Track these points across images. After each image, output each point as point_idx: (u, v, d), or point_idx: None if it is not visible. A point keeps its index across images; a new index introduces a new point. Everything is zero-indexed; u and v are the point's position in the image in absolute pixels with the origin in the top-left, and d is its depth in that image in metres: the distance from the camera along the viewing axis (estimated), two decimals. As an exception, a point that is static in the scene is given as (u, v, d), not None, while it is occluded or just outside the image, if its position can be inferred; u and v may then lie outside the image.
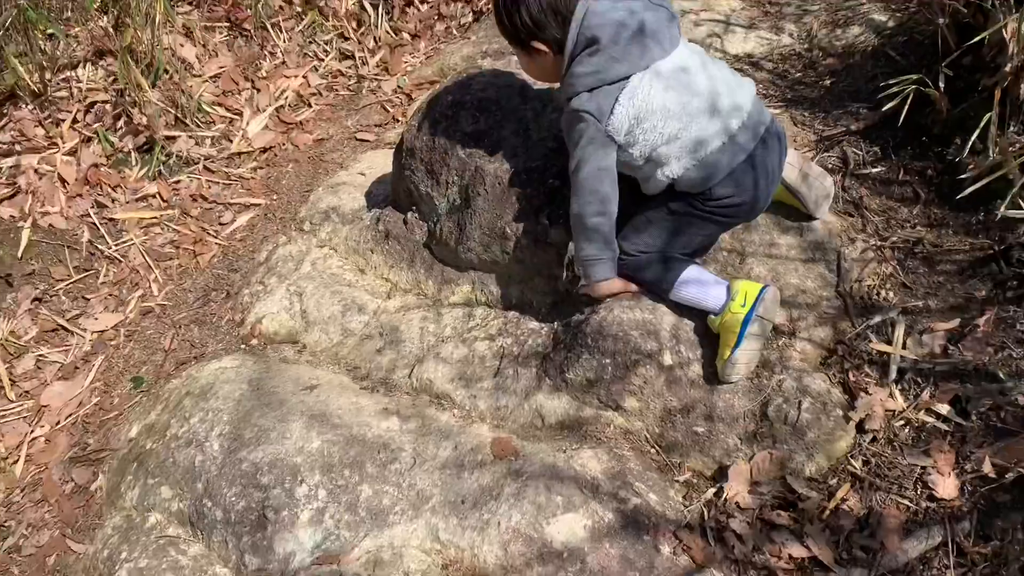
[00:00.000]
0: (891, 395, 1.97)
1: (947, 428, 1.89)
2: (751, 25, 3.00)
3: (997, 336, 1.99)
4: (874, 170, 2.41)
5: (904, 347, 2.03)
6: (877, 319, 2.09)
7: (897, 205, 2.34)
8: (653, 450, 2.00)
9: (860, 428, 1.95)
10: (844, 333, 2.09)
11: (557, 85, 2.00)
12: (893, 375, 1.99)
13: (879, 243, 2.24)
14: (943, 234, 2.25)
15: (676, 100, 1.83)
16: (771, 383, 1.99)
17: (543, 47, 1.89)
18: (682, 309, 2.03)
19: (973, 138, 2.16)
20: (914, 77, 2.28)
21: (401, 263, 2.51)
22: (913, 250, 2.23)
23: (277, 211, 2.95)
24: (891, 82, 2.30)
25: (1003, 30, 2.10)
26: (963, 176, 2.20)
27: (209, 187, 3.05)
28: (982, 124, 2.14)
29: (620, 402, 2.00)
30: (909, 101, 2.30)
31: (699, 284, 1.98)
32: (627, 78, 1.82)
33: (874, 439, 1.93)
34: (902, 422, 1.94)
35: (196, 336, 2.53)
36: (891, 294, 2.16)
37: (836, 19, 2.85)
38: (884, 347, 2.04)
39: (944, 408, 1.91)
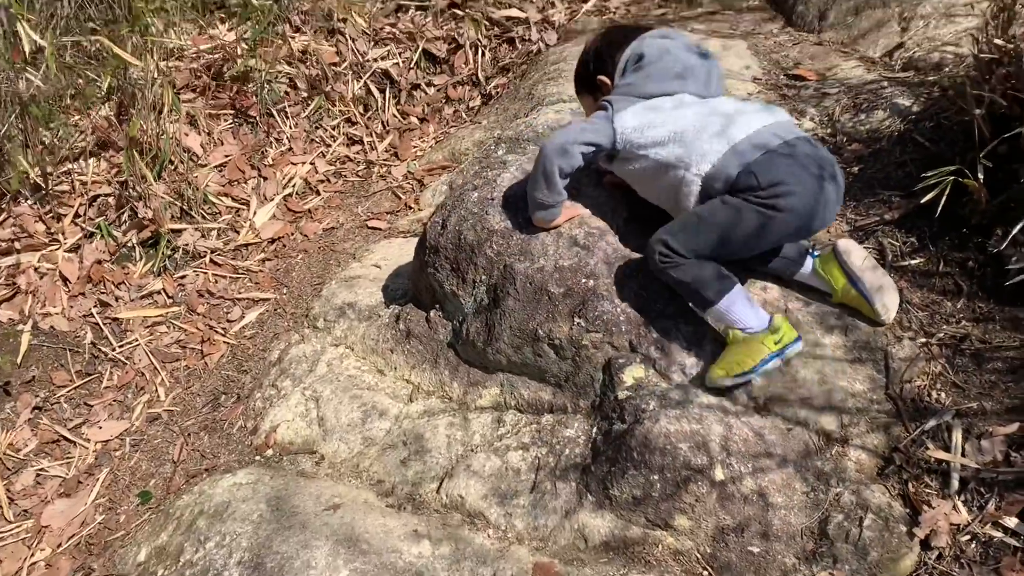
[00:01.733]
0: (955, 507, 1.86)
1: (1017, 544, 1.77)
2: (770, 109, 2.95)
3: (1061, 441, 1.89)
4: (913, 261, 2.34)
5: (963, 454, 1.92)
6: (932, 423, 1.99)
7: (940, 299, 2.26)
8: (705, 572, 1.87)
9: (925, 545, 1.83)
10: (899, 439, 1.98)
11: None
12: (955, 485, 1.88)
13: (926, 340, 2.15)
14: (990, 329, 2.16)
15: (693, 116, 1.96)
16: (828, 497, 1.87)
17: (606, 80, 2.10)
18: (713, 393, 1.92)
19: (1015, 231, 2.10)
20: (952, 168, 2.22)
21: (424, 364, 2.40)
22: (961, 347, 2.14)
23: (288, 306, 2.84)
24: (929, 173, 2.24)
25: (1045, 123, 2.05)
26: (1008, 268, 2.13)
27: (216, 281, 2.94)
28: (1029, 218, 2.07)
29: (669, 521, 1.87)
30: (947, 192, 2.24)
31: (746, 302, 1.94)
32: (655, 97, 2.01)
33: (940, 556, 1.81)
34: (968, 537, 1.82)
35: (207, 445, 2.39)
36: (943, 395, 2.06)
37: (858, 103, 2.81)
38: (943, 455, 1.93)
39: (1012, 521, 1.80)
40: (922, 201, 2.28)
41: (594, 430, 2.08)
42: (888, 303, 2.12)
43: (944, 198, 2.25)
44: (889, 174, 2.56)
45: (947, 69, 2.80)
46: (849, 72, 3.02)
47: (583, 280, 2.11)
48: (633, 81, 2.03)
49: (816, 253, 2.19)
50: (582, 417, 2.14)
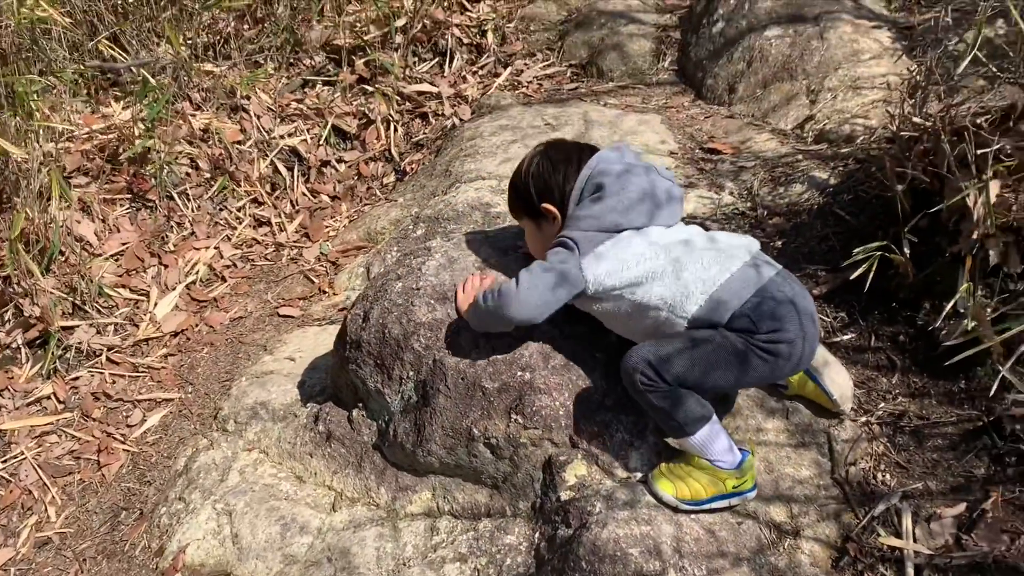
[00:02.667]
0: (913, 598, 1.80)
1: (976, 632, 1.72)
2: (689, 184, 2.95)
3: (1008, 521, 1.86)
4: (845, 337, 2.32)
5: (915, 539, 1.87)
6: (881, 507, 1.94)
7: (875, 375, 2.24)
8: None
9: (887, 640, 1.77)
10: (850, 527, 1.92)
11: None
12: (911, 574, 1.82)
13: (866, 419, 2.12)
14: (927, 405, 2.15)
15: (665, 254, 1.82)
16: (786, 596, 1.79)
17: (553, 208, 1.93)
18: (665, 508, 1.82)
19: (948, 307, 2.10)
20: (878, 244, 2.23)
21: (347, 468, 2.22)
22: (900, 424, 2.12)
23: (194, 406, 2.63)
24: (857, 250, 2.23)
25: (966, 198, 2.07)
26: (940, 343, 2.13)
27: (113, 382, 2.70)
28: (959, 291, 2.08)
29: (624, 634, 1.74)
30: (874, 268, 2.24)
31: (723, 436, 1.83)
32: (619, 231, 1.84)
33: (903, 650, 1.74)
34: (928, 628, 1.76)
35: (106, 572, 2.15)
36: (888, 476, 2.02)
37: (775, 176, 2.83)
38: (895, 541, 1.87)
39: (970, 609, 1.75)
40: (851, 277, 2.27)
41: (537, 535, 1.94)
42: (846, 394, 2.08)
43: (871, 274, 2.25)
44: (813, 248, 2.56)
45: (859, 141, 2.85)
46: (763, 145, 3.05)
47: (519, 373, 1.99)
48: (594, 214, 1.85)
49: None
50: (523, 521, 2.00)
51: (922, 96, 2.19)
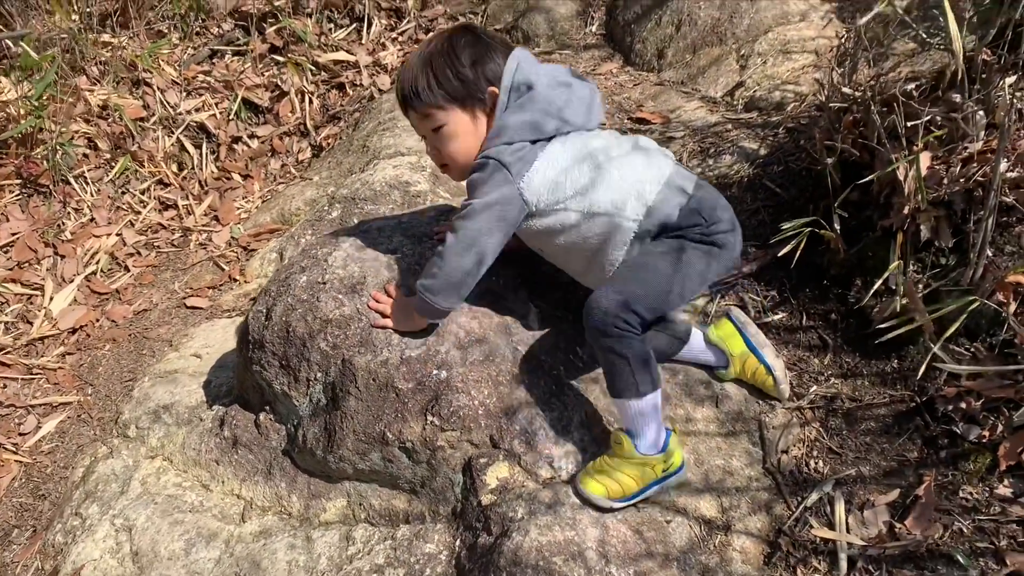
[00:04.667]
0: (846, 590, 1.74)
1: (911, 622, 1.67)
2: (616, 155, 2.82)
3: (941, 506, 1.81)
4: (775, 317, 2.25)
5: (848, 529, 1.81)
6: (814, 497, 1.87)
7: (807, 355, 2.17)
8: None
9: (820, 636, 1.71)
10: (782, 520, 1.85)
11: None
12: (844, 568, 1.76)
13: (797, 404, 2.05)
14: (859, 386, 2.09)
15: (603, 155, 1.72)
16: (717, 597, 1.71)
17: (497, 91, 1.71)
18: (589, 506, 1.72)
19: (878, 284, 2.03)
20: (807, 220, 2.14)
21: (255, 476, 2.08)
22: (832, 407, 2.05)
23: (93, 409, 2.44)
24: (785, 226, 2.14)
25: (896, 171, 1.99)
26: (872, 321, 2.06)
27: (4, 386, 2.50)
28: (889, 269, 2.00)
29: (549, 648, 1.65)
30: (803, 244, 2.16)
31: (656, 413, 1.71)
32: (549, 139, 1.70)
33: (836, 645, 1.69)
34: (862, 621, 1.71)
35: (-7, 600, 1.98)
36: (820, 463, 1.96)
37: (704, 147, 2.72)
38: (828, 533, 1.81)
39: (904, 600, 1.70)
40: (779, 254, 2.18)
41: (457, 543, 1.83)
42: (784, 378, 2.01)
43: (800, 250, 2.17)
44: (743, 223, 2.41)
45: (789, 108, 2.76)
46: (693, 114, 2.94)
47: (434, 371, 1.86)
48: (527, 120, 1.68)
49: (704, 327, 2.04)
50: (443, 527, 1.88)
51: (851, 64, 2.09)
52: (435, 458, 1.86)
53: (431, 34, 1.80)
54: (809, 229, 2.15)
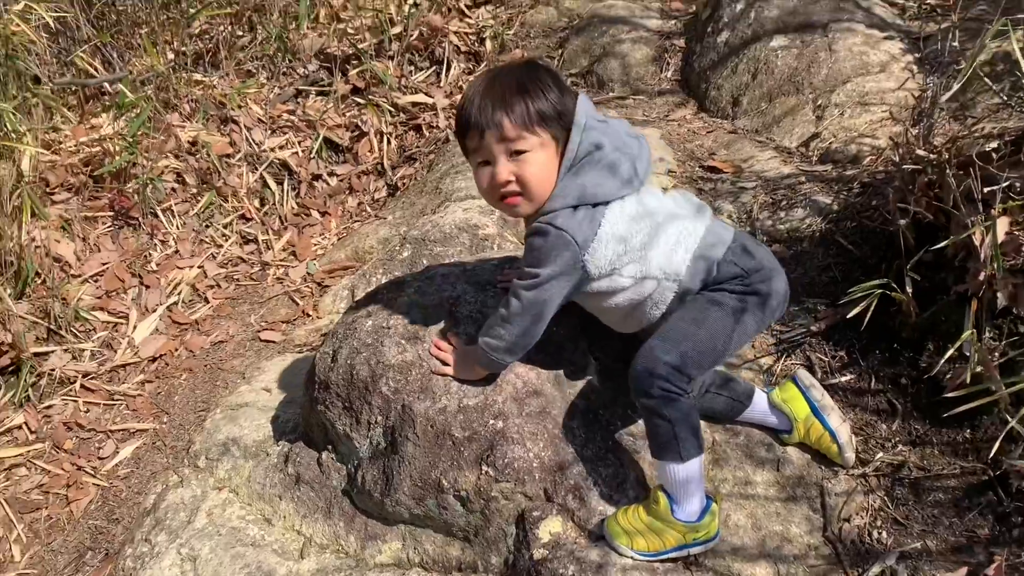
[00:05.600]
0: (908, 673, 1.68)
1: None
2: (686, 205, 2.81)
3: (1013, 587, 1.74)
4: (843, 378, 2.19)
5: (911, 606, 1.76)
6: (875, 570, 1.82)
7: (874, 419, 2.11)
8: None
9: None
10: (842, 592, 1.80)
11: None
12: (906, 646, 1.70)
13: (862, 470, 1.99)
14: (928, 455, 2.02)
15: (651, 218, 1.72)
16: (770, 670, 1.67)
17: (571, 130, 1.68)
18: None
19: (951, 351, 1.96)
20: (879, 282, 2.09)
21: (316, 513, 2.13)
22: (899, 476, 1.99)
23: (168, 437, 2.54)
24: (855, 288, 2.10)
25: (972, 236, 1.93)
26: (944, 388, 1.99)
27: (87, 411, 2.62)
28: (963, 336, 1.94)
29: None
30: (874, 305, 2.11)
31: (699, 481, 1.71)
32: (609, 202, 1.68)
33: None
34: None
35: (65, 619, 2.07)
36: (884, 534, 1.90)
37: (776, 199, 2.69)
38: (890, 609, 1.75)
39: None
40: (849, 315, 2.14)
41: (509, 595, 1.84)
42: (850, 443, 1.97)
43: (872, 311, 2.12)
44: (813, 279, 2.42)
45: (865, 162, 2.71)
46: (766, 164, 2.91)
47: (490, 421, 1.88)
48: (595, 181, 1.66)
49: (768, 389, 2.02)
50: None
51: (927, 124, 2.05)
52: (489, 508, 1.87)
53: (493, 67, 1.78)
54: (880, 291, 2.10)
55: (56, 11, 3.30)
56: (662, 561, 1.74)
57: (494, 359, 1.83)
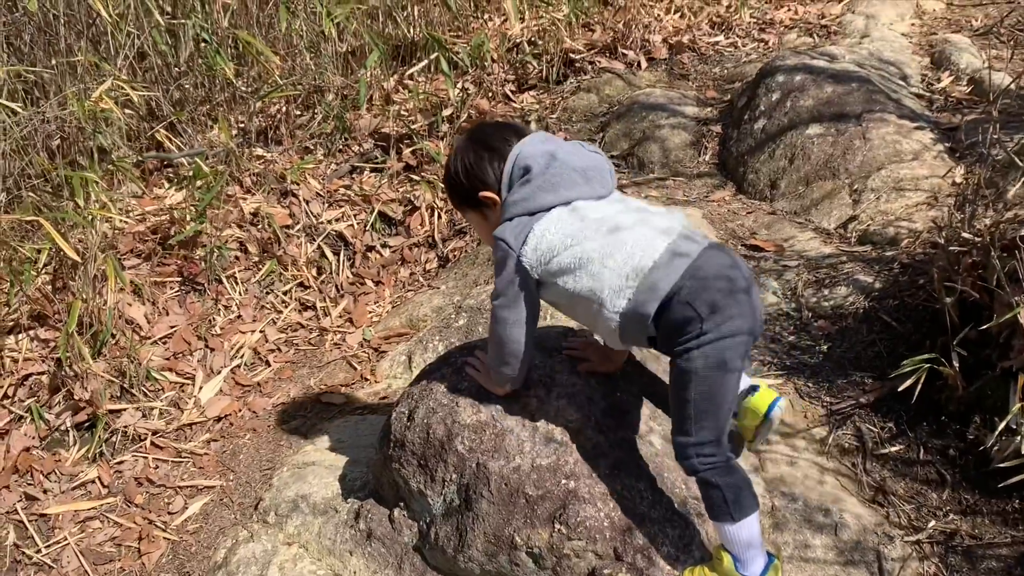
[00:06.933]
0: None
1: None
2: (731, 281, 2.95)
3: (1068, 654, 1.80)
4: (892, 449, 2.29)
5: (972, 671, 1.82)
6: (935, 634, 1.88)
7: (924, 489, 2.20)
8: None
9: None
10: (903, 655, 1.87)
11: None
12: None
13: (915, 537, 2.07)
14: (979, 523, 2.10)
15: (596, 227, 1.80)
16: None
17: (491, 195, 1.91)
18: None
19: (1002, 426, 2.06)
20: (927, 356, 2.21)
21: (387, 569, 2.21)
22: (952, 544, 2.07)
23: (235, 494, 2.64)
24: (905, 363, 2.21)
25: (1018, 316, 2.06)
26: (992, 460, 2.09)
27: (156, 467, 2.73)
28: (1012, 410, 2.04)
29: None
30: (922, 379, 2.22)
31: (753, 536, 1.78)
32: (549, 210, 1.83)
33: None
34: None
35: (141, 669, 2.14)
36: (941, 599, 1.97)
37: (819, 278, 2.83)
38: (950, 672, 1.82)
39: None
40: (900, 388, 2.24)
41: (581, 652, 1.91)
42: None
43: (920, 385, 2.23)
44: (859, 354, 2.54)
45: (904, 244, 2.85)
46: (806, 244, 3.06)
47: (563, 481, 1.99)
48: (524, 196, 1.83)
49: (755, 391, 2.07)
50: (565, 634, 1.97)
51: (971, 210, 2.20)
52: (560, 566, 1.96)
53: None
54: (928, 366, 2.22)
55: (143, 91, 3.52)
56: None
57: (495, 370, 2.02)
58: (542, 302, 1.95)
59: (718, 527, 1.81)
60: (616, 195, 1.93)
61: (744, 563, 1.79)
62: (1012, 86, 3.08)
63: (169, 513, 2.60)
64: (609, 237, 1.78)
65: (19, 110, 3.18)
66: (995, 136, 2.13)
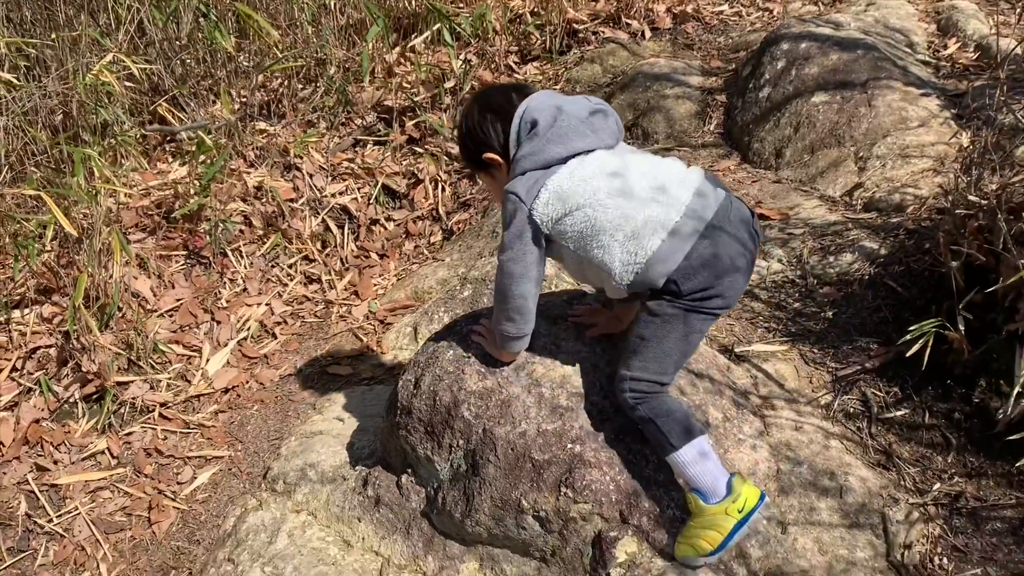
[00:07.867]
0: None
1: None
2: (736, 250, 2.94)
3: (1073, 613, 1.81)
4: (898, 413, 2.29)
5: (976, 630, 1.83)
6: (939, 594, 1.90)
7: (929, 452, 2.21)
8: None
9: None
10: (908, 615, 1.88)
11: None
12: (973, 667, 1.78)
13: (920, 500, 2.08)
14: (984, 486, 2.11)
15: (608, 187, 1.80)
16: None
17: (495, 156, 1.92)
18: None
19: (1014, 394, 2.07)
20: (934, 321, 2.21)
21: (395, 534, 2.23)
22: (957, 505, 2.08)
23: (243, 464, 2.66)
24: (912, 328, 2.21)
25: (1023, 278, 2.05)
26: (997, 422, 2.10)
27: (165, 438, 2.75)
28: (1019, 375, 2.05)
29: None
30: (929, 344, 2.22)
31: (705, 460, 1.81)
32: (563, 162, 1.83)
33: None
34: None
35: (154, 633, 2.16)
36: (945, 560, 1.98)
37: (825, 245, 2.82)
38: (955, 630, 1.83)
39: None
40: (907, 354, 2.24)
41: (586, 612, 1.93)
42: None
43: (927, 350, 2.23)
44: (864, 320, 2.54)
45: (909, 210, 2.84)
46: (812, 212, 3.05)
47: (569, 445, 2.00)
48: (533, 149, 1.84)
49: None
50: (572, 596, 1.99)
51: (977, 174, 2.19)
52: (567, 528, 1.97)
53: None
54: (935, 330, 2.22)
55: (143, 63, 3.51)
56: (734, 544, 1.81)
57: (499, 330, 2.00)
58: (549, 261, 1.96)
59: (671, 464, 1.86)
60: (623, 146, 1.94)
61: (707, 493, 1.80)
62: (1019, 50, 3.05)
63: (178, 483, 2.62)
64: (623, 206, 1.79)
65: (16, 82, 3.17)
66: (1002, 99, 2.11)
